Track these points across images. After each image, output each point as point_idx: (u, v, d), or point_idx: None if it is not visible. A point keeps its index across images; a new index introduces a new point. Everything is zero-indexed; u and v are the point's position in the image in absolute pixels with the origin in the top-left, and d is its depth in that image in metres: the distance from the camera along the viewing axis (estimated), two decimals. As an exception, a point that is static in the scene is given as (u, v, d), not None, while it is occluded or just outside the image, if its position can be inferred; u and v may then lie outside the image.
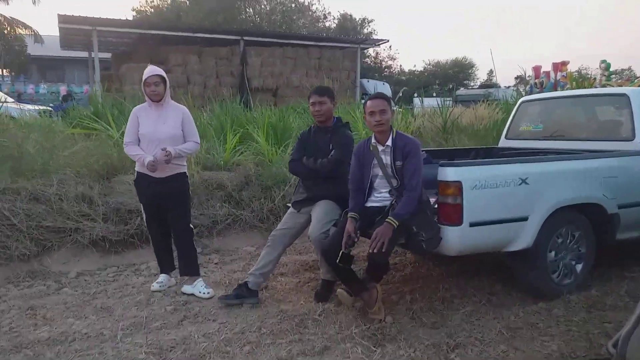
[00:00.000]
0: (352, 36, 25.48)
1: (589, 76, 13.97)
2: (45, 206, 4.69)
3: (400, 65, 43.69)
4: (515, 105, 5.39)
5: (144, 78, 3.64)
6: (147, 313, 3.38)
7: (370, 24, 35.74)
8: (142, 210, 3.89)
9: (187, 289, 3.79)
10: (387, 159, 3.19)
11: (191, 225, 3.86)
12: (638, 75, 15.07)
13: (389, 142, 3.17)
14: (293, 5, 32.32)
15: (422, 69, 41.56)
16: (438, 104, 10.93)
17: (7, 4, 25.41)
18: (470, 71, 41.77)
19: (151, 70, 3.69)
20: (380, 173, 3.22)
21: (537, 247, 3.37)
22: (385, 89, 23.95)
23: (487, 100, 12.97)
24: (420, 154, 3.15)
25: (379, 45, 24.51)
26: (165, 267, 3.97)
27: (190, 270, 3.83)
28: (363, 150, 3.27)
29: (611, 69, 14.32)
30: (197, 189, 5.63)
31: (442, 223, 3.13)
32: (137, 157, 3.64)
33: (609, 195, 3.58)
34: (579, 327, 3.11)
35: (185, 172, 3.80)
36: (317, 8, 35.12)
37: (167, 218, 3.78)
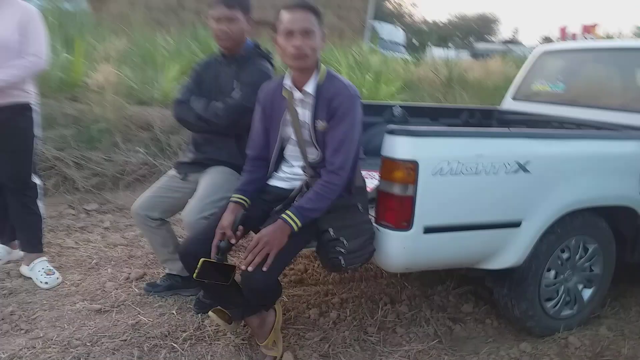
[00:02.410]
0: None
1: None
2: None
3: (423, 16, 41.55)
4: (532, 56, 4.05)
5: None
6: None
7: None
8: None
9: (24, 270, 2.67)
10: (304, 114, 1.94)
11: (35, 181, 2.67)
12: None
13: (310, 88, 1.91)
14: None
15: (445, 20, 39.23)
16: (447, 55, 9.50)
17: None
18: (494, 26, 39.60)
19: None
20: (294, 136, 1.98)
21: (531, 265, 2.20)
22: (399, 34, 22.15)
23: (505, 56, 11.49)
24: (357, 113, 1.89)
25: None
26: (5, 234, 2.82)
27: (30, 245, 2.68)
28: (271, 96, 2.01)
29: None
30: (114, 128, 4.44)
31: (381, 224, 1.94)
32: None
33: (649, 197, 2.36)
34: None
35: (27, 104, 2.54)
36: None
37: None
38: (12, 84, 2.43)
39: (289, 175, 2.04)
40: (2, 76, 2.38)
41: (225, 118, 2.24)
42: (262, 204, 2.01)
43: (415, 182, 1.85)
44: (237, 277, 1.86)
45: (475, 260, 2.11)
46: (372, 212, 2.01)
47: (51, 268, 2.67)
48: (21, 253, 2.83)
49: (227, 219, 1.87)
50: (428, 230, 1.89)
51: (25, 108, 2.55)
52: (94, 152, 4.16)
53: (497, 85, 8.33)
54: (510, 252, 2.10)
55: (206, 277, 1.81)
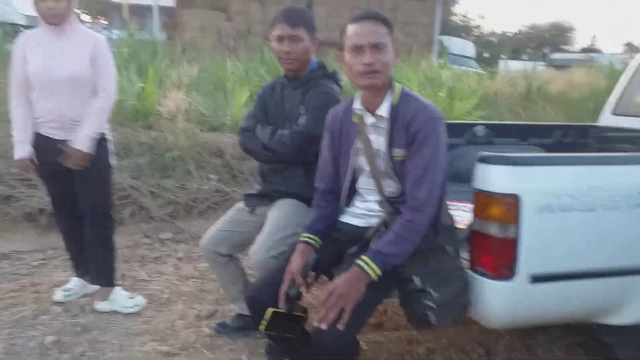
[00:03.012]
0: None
1: None
2: (-20, 165, 3.71)
3: (492, 27, 40.55)
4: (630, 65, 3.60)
5: None
6: None
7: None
8: (46, 189, 2.69)
9: (102, 306, 2.61)
10: (378, 141, 1.72)
11: (112, 213, 2.65)
12: None
13: (384, 111, 1.70)
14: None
15: (516, 31, 37.84)
16: (524, 67, 8.97)
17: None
18: (569, 35, 37.64)
19: None
20: (367, 167, 1.77)
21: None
22: (469, 48, 21.52)
23: (588, 66, 10.69)
24: (441, 138, 1.64)
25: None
26: (82, 267, 2.80)
27: (105, 278, 2.64)
28: (340, 121, 1.82)
29: None
30: (186, 155, 4.45)
31: (477, 272, 1.67)
32: (15, 135, 2.48)
33: None
34: None
35: (104, 134, 2.55)
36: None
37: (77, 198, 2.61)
38: (99, 128, 2.47)
39: (364, 211, 1.82)
40: (91, 130, 2.43)
41: (291, 146, 2.08)
42: (334, 244, 1.80)
43: (517, 220, 1.57)
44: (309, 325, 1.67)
45: (594, 313, 1.78)
46: (465, 255, 1.75)
47: (130, 294, 2.66)
48: (95, 287, 2.80)
49: (296, 263, 1.69)
50: (535, 279, 1.60)
51: (101, 138, 2.54)
52: (168, 180, 4.17)
53: (584, 98, 7.72)
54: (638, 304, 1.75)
55: (274, 329, 1.63)
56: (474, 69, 12.68)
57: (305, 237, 1.78)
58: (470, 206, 2.29)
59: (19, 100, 2.44)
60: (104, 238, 2.62)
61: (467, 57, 19.63)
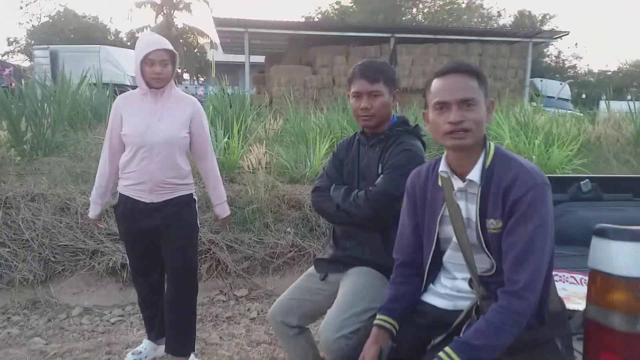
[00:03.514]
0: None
1: None
2: (70, 219, 3.89)
3: (588, 65, 38.34)
4: None
5: (143, 53, 2.26)
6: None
7: (551, 20, 31.44)
8: (126, 251, 2.68)
9: (173, 374, 2.52)
10: (469, 209, 1.46)
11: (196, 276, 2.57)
12: None
13: (475, 175, 1.44)
14: (463, 4, 29.77)
15: (616, 69, 35.38)
16: (630, 108, 8.16)
17: (190, 13, 27.96)
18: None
19: (156, 41, 2.29)
20: (455, 238, 1.51)
21: None
22: (565, 90, 20.37)
23: None
24: (548, 209, 1.34)
25: (555, 39, 20.21)
26: (154, 330, 2.73)
27: (183, 347, 2.53)
28: (423, 184, 1.58)
29: None
30: (265, 208, 4.40)
31: (594, 371, 1.33)
32: (93, 194, 2.57)
33: None
34: None
35: (190, 195, 2.51)
36: (490, 6, 32.24)
37: (158, 263, 2.57)
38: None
39: (451, 291, 1.53)
40: (223, 195, 2.69)
41: (367, 208, 1.88)
42: (415, 330, 1.53)
43: (649, 311, 1.24)
44: None
45: None
46: (577, 346, 1.42)
47: None
48: (161, 351, 2.70)
49: (370, 353, 1.45)
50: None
51: (190, 200, 2.51)
52: (246, 234, 4.12)
53: None
54: None
55: None
56: (570, 112, 11.87)
57: (380, 320, 1.53)
58: (578, 277, 1.95)
59: (107, 161, 2.47)
60: (186, 301, 2.52)
61: (563, 99, 18.58)
